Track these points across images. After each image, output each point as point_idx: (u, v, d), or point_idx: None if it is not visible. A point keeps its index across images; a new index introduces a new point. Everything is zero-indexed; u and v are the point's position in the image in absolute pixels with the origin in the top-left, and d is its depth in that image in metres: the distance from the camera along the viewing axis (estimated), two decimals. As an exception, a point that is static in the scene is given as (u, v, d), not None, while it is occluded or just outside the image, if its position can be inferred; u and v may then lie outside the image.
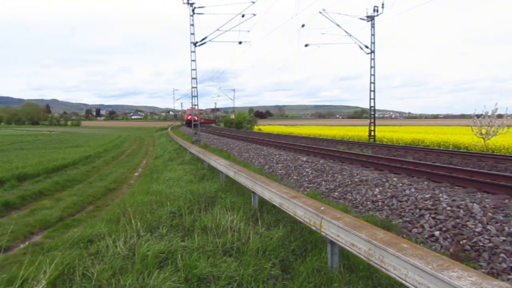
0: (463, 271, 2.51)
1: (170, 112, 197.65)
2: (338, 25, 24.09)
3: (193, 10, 24.93)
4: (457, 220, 5.11)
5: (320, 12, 23.84)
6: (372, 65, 25.16)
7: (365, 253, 3.30)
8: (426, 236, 5.16)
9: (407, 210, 6.01)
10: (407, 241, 3.25)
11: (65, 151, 23.66)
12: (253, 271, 3.89)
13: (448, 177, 7.13)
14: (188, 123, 58.23)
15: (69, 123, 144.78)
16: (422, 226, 5.38)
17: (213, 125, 79.00)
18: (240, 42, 26.65)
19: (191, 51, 25.47)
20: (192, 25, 25.08)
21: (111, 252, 4.58)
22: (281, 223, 5.47)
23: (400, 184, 7.07)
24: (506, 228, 4.54)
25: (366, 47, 24.91)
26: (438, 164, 10.58)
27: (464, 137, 23.13)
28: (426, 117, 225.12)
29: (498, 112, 18.80)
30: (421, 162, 11.01)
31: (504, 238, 4.41)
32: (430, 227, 5.27)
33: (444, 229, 5.07)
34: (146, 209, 6.66)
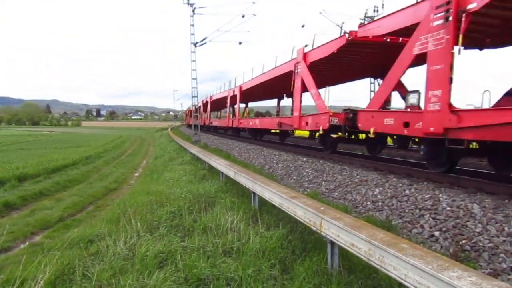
0: (463, 271, 2.52)
1: (170, 113, 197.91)
2: (338, 25, 24.06)
3: (193, 11, 24.96)
4: (457, 220, 5.11)
5: (320, 13, 23.81)
6: (374, 65, 24.72)
7: (365, 253, 3.31)
8: (426, 236, 5.16)
9: (407, 210, 6.01)
10: (407, 241, 3.26)
11: (66, 152, 23.70)
12: (252, 272, 3.89)
13: (448, 177, 7.12)
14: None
15: (69, 123, 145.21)
16: (422, 226, 5.38)
17: None
18: (240, 43, 26.68)
19: (191, 51, 25.50)
20: (192, 25, 25.11)
21: (111, 252, 4.58)
22: (281, 223, 5.47)
23: (400, 184, 7.06)
24: (506, 228, 4.54)
25: (367, 47, 24.72)
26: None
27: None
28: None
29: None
30: (421, 162, 11.00)
31: (504, 238, 4.41)
32: (430, 227, 5.27)
33: (444, 229, 5.07)
34: (146, 209, 6.66)
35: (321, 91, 11.66)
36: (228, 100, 26.15)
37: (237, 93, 23.16)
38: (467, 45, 8.32)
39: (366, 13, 11.47)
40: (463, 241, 4.64)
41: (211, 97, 33.27)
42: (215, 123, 33.28)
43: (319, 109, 11.14)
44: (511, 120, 5.33)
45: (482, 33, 8.34)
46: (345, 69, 13.71)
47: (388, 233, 3.51)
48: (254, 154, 15.19)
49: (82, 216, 8.51)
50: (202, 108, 37.54)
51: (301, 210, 4.66)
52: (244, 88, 22.03)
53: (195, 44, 25.41)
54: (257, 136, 20.69)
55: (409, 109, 8.24)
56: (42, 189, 11.01)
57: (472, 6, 6.00)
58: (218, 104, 34.60)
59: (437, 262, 2.68)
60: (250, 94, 23.58)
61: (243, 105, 29.44)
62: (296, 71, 12.95)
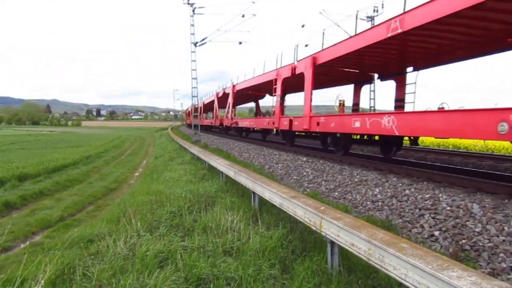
0: (462, 271, 2.52)
1: (171, 112, 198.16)
2: (337, 25, 24.06)
3: (193, 11, 24.98)
4: (457, 220, 5.12)
5: (320, 13, 23.83)
6: (374, 63, 24.42)
7: (365, 253, 3.31)
8: (426, 236, 5.16)
9: (407, 210, 6.01)
10: (407, 241, 3.26)
11: (66, 151, 23.70)
12: (252, 271, 3.90)
13: (448, 177, 7.12)
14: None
15: (69, 123, 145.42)
16: (422, 226, 5.38)
17: None
18: (240, 42, 26.70)
19: (191, 51, 25.50)
20: (192, 25, 25.12)
21: (111, 252, 4.59)
22: (281, 223, 5.47)
23: (400, 184, 7.06)
24: (505, 228, 4.54)
25: (367, 46, 24.51)
26: (438, 164, 10.57)
27: (464, 137, 23.06)
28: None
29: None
30: (421, 162, 11.01)
31: (503, 238, 4.41)
32: (430, 227, 5.27)
33: (443, 229, 5.07)
34: (146, 209, 6.67)
35: None
36: (279, 87, 15.47)
37: (307, 70, 12.75)
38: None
39: (357, 15, 11.02)
40: (463, 241, 4.64)
41: (234, 86, 23.82)
42: (244, 124, 22.54)
43: None
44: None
45: None
46: None
47: (388, 232, 3.52)
48: (254, 154, 15.19)
49: (82, 216, 8.51)
50: (216, 103, 29.42)
51: (301, 210, 4.66)
52: (322, 59, 11.98)
53: (195, 44, 25.42)
54: (349, 148, 12.10)
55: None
56: (42, 189, 11.02)
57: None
58: (246, 96, 25.93)
59: (437, 261, 2.69)
60: (329, 71, 13.78)
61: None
62: None
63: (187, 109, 56.59)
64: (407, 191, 6.63)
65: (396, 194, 6.69)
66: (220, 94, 27.95)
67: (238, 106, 34.42)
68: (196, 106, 28.50)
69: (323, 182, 8.97)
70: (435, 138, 9.42)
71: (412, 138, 9.88)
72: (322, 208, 4.45)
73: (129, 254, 4.53)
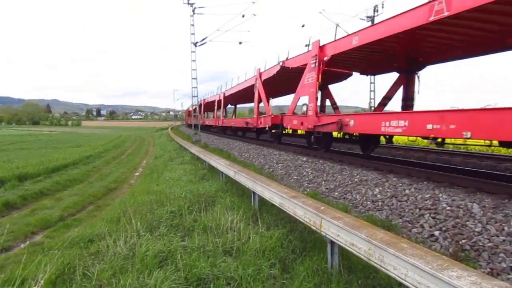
0: (462, 271, 2.52)
1: (171, 112, 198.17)
2: (337, 25, 24.04)
3: (193, 10, 24.96)
4: (457, 220, 5.12)
5: (320, 13, 23.81)
6: (374, 63, 24.41)
7: (365, 253, 3.31)
8: (426, 235, 5.16)
9: (407, 210, 6.01)
10: (407, 241, 3.26)
11: (66, 151, 23.72)
12: (252, 271, 3.90)
13: (448, 177, 7.12)
14: None
15: (69, 123, 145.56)
16: (422, 226, 5.38)
17: None
18: (240, 42, 26.68)
19: (191, 51, 25.48)
20: (192, 25, 25.10)
21: (112, 251, 4.60)
22: (281, 223, 5.47)
23: (400, 184, 7.06)
24: (505, 227, 4.54)
25: (368, 46, 24.46)
26: (438, 164, 10.57)
27: (464, 137, 23.02)
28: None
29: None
30: (421, 162, 11.01)
31: (503, 237, 4.41)
32: (430, 227, 5.27)
33: (444, 228, 5.07)
34: (146, 209, 6.67)
35: None
36: (257, 91, 16.18)
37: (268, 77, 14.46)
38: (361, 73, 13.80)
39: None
40: (463, 241, 4.64)
41: (224, 93, 27.98)
42: (230, 124, 23.54)
43: None
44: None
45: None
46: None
47: (388, 232, 3.52)
48: (254, 154, 15.19)
49: (82, 216, 8.52)
50: (216, 105, 31.23)
51: (301, 209, 4.66)
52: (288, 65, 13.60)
53: (195, 44, 25.40)
54: (330, 145, 12.37)
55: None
56: (43, 189, 11.02)
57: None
58: (238, 99, 29.23)
59: (437, 261, 2.69)
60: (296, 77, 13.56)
61: None
62: None
63: (187, 109, 57.44)
64: (407, 191, 6.63)
65: (396, 194, 6.69)
66: (216, 98, 30.80)
67: (238, 106, 36.04)
68: (196, 106, 28.50)
69: (323, 182, 8.97)
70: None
71: (387, 137, 10.44)
72: (322, 208, 4.45)
73: (129, 254, 4.53)
